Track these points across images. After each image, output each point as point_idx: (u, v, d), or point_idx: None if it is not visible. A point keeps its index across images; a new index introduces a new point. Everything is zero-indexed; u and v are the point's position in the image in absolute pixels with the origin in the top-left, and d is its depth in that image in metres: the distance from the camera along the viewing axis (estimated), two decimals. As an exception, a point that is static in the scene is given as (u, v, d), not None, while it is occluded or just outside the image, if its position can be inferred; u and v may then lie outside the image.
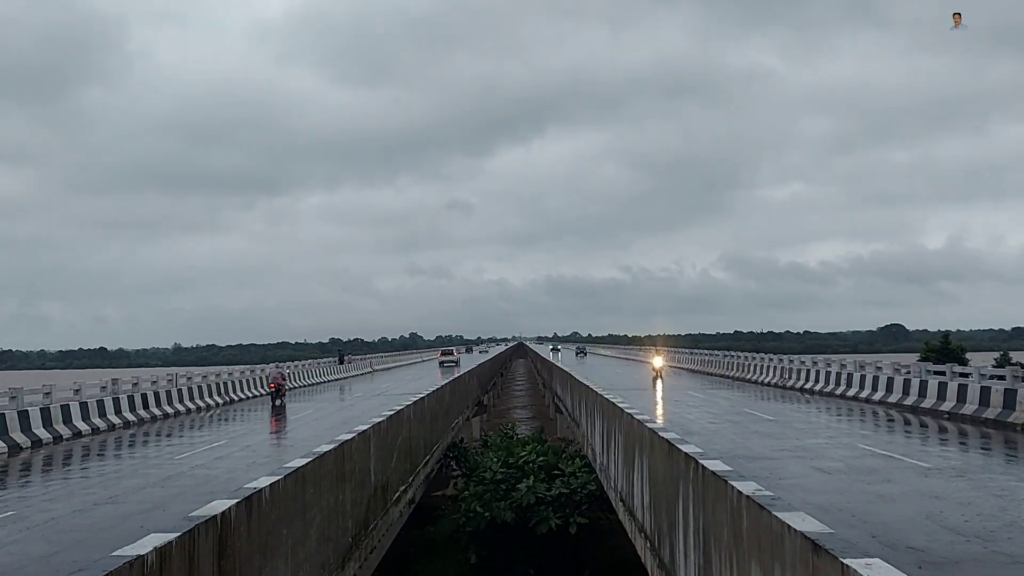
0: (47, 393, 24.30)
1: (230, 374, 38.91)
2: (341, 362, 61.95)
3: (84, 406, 24.95)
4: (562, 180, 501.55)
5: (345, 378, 56.77)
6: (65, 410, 23.86)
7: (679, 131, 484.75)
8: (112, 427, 25.49)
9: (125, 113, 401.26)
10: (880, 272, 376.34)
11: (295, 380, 47.35)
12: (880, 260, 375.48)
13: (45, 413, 22.96)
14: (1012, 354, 76.05)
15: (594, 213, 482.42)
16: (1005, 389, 22.24)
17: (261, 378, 41.74)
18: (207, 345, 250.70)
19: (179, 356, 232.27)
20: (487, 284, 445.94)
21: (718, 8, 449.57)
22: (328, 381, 52.64)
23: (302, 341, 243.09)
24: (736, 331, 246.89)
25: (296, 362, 55.46)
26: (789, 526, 6.96)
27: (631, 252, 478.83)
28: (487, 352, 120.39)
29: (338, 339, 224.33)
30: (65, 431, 23.22)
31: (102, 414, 25.63)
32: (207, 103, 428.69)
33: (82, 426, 24.15)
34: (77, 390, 25.99)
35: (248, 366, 51.36)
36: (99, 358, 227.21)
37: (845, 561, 5.79)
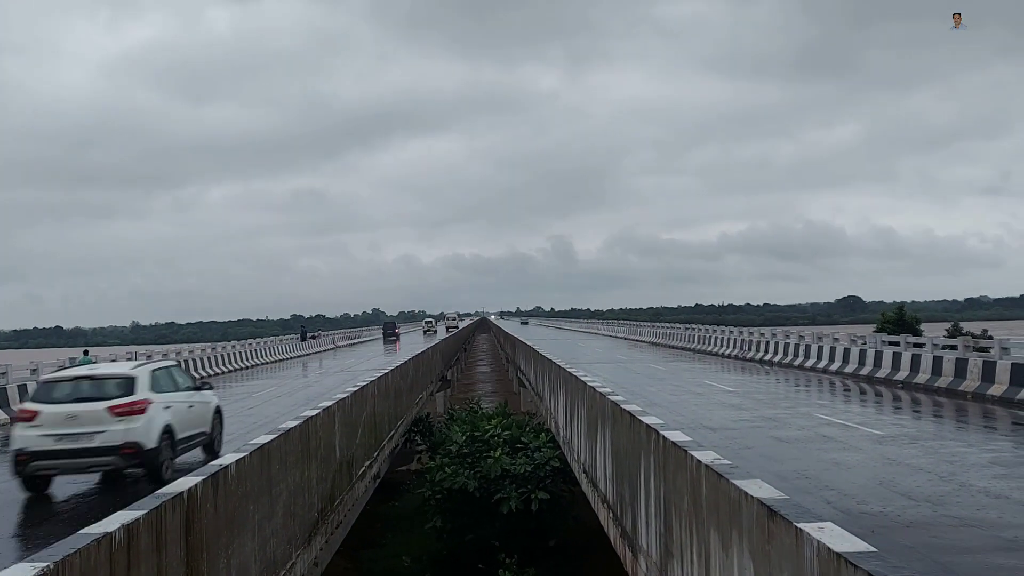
0: (2, 374, 23.93)
1: (191, 352, 38.55)
2: (304, 339, 61.62)
3: (42, 386, 24.59)
4: (436, 178, 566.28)
5: (308, 355, 56.53)
6: (23, 390, 23.50)
7: (523, 137, 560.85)
8: (71, 406, 25.15)
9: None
10: (766, 250, 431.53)
11: (257, 357, 46.97)
12: (761, 239, 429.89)
13: (1, 394, 22.60)
14: (963, 324, 77.84)
15: (486, 201, 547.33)
16: (956, 359, 22.85)
17: (223, 356, 41.48)
18: (166, 323, 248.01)
19: (138, 334, 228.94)
20: (430, 261, 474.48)
21: (482, 45, 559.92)
22: (291, 358, 52.38)
23: (263, 318, 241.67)
24: (697, 304, 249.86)
25: (259, 339, 55.10)
26: (746, 493, 7.15)
27: (538, 234, 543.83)
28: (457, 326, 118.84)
29: (300, 315, 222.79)
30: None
31: (61, 393, 25.28)
32: (74, 119, 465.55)
33: (40, 406, 23.81)
34: (34, 370, 25.60)
35: (210, 343, 50.91)
36: (55, 337, 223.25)
37: (799, 525, 5.99)
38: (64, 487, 12.88)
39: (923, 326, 65.91)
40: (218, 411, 15.80)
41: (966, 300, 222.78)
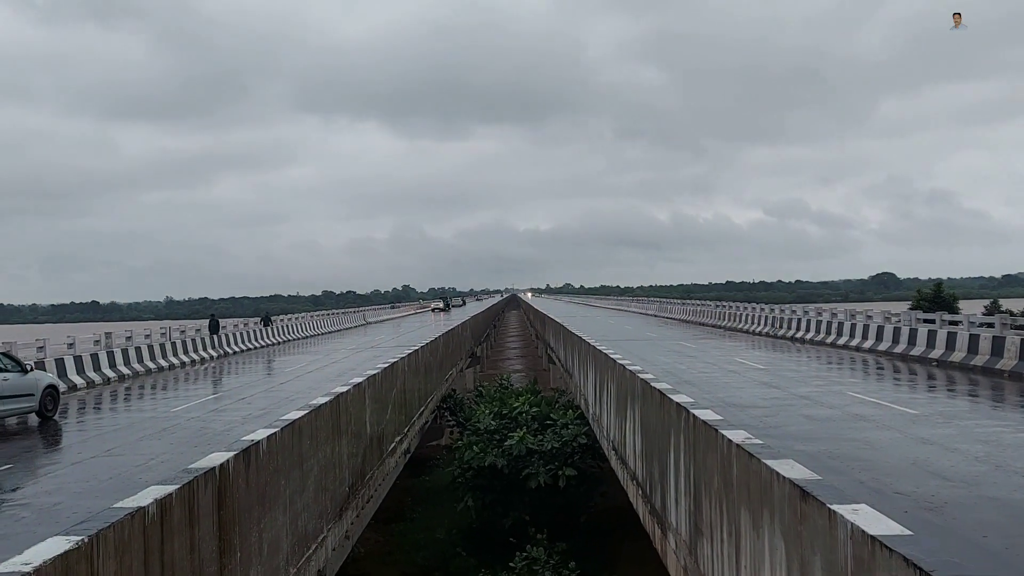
0: (40, 347, 24.34)
1: (224, 327, 38.97)
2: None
3: (79, 360, 25.01)
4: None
5: (339, 331, 56.98)
6: (60, 364, 23.91)
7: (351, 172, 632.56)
8: (107, 380, 25.58)
9: None
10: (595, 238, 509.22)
11: (292, 331, 47.38)
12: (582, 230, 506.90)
13: (39, 368, 22.97)
14: (1002, 302, 76.50)
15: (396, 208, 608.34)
16: (994, 337, 22.43)
17: (255, 331, 41.90)
18: (199, 298, 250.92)
19: (171, 309, 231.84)
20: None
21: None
22: (322, 334, 52.81)
23: (295, 294, 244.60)
24: (728, 281, 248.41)
25: (291, 315, 55.62)
26: (778, 473, 7.08)
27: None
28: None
29: (331, 292, 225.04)
30: (60, 385, 23.28)
31: (96, 368, 25.71)
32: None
33: (77, 380, 24.24)
34: (71, 344, 26.01)
35: (242, 319, 51.46)
36: (91, 312, 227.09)
37: (832, 507, 5.91)
38: None
39: (960, 303, 64.94)
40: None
41: (1003, 277, 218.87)
